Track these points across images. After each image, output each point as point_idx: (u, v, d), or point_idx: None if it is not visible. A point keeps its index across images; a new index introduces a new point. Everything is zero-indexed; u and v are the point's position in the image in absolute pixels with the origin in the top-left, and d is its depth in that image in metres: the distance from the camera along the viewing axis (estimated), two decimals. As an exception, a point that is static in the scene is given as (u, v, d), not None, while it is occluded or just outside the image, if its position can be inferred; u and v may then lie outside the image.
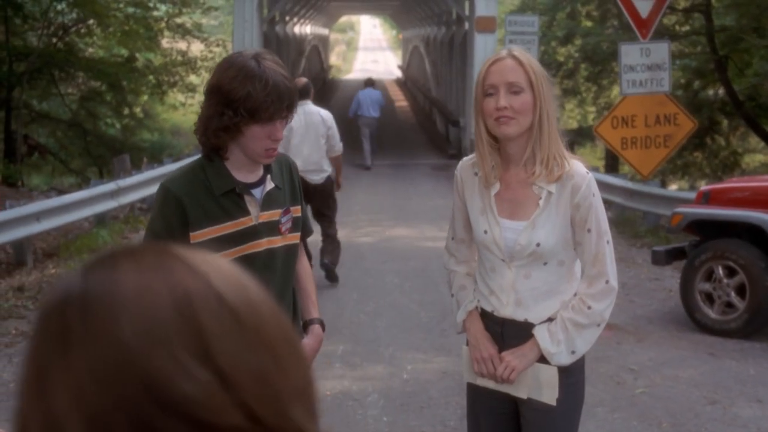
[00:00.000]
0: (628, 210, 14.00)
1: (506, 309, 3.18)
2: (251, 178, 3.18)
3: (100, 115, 26.36)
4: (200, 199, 3.10)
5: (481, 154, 3.19)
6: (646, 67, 12.95)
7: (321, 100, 41.31)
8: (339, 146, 9.34)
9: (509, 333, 3.19)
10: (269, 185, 3.20)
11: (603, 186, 14.47)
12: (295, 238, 3.30)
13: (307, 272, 3.50)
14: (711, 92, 24.52)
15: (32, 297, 9.54)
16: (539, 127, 3.08)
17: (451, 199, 3.42)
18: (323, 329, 3.45)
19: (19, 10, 21.44)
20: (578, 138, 29.46)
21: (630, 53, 13.02)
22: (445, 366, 7.08)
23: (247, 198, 3.15)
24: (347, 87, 48.91)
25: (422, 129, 31.48)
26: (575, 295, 3.14)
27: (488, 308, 3.23)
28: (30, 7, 22.35)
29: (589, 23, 27.14)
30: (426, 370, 7.02)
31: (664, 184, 21.15)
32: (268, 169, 3.22)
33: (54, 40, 23.15)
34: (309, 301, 3.46)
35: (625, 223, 13.62)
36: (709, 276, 8.28)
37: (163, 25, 24.82)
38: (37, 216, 11.24)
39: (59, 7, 22.12)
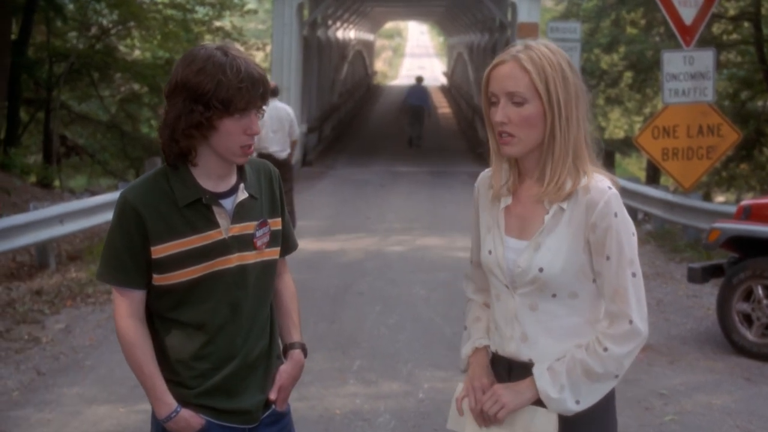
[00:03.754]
0: (668, 223, 13.56)
1: (510, 345, 2.71)
2: (221, 187, 2.88)
3: (140, 118, 26.35)
4: (162, 211, 2.80)
5: (494, 167, 2.77)
6: (689, 75, 12.53)
7: (365, 105, 41.31)
8: (297, 132, 12.68)
9: (518, 377, 2.70)
10: (242, 195, 2.89)
11: (642, 198, 14.13)
12: (273, 253, 2.99)
13: (290, 291, 3.17)
14: (759, 103, 23.93)
15: (49, 301, 9.35)
16: (551, 139, 2.62)
17: None
18: (305, 354, 3.12)
19: (60, 11, 21.41)
20: (624, 148, 28.98)
21: (673, 61, 12.62)
22: (464, 385, 6.73)
23: (215, 209, 2.84)
24: (391, 93, 48.73)
25: (464, 136, 31.11)
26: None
27: (494, 347, 2.80)
28: (71, 8, 22.34)
29: (634, 31, 26.64)
30: (444, 389, 6.68)
31: (708, 197, 20.60)
32: (242, 177, 2.92)
33: (94, 41, 23.12)
34: (290, 323, 3.13)
35: (665, 237, 13.18)
36: (748, 296, 7.85)
37: (203, 27, 24.68)
38: (61, 218, 11.07)
39: (97, 8, 22.06)
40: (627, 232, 2.61)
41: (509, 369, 2.74)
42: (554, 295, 2.64)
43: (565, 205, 2.63)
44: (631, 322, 2.59)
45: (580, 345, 2.63)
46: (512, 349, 2.71)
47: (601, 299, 2.67)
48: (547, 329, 2.65)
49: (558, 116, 2.60)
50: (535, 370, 2.64)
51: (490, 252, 2.74)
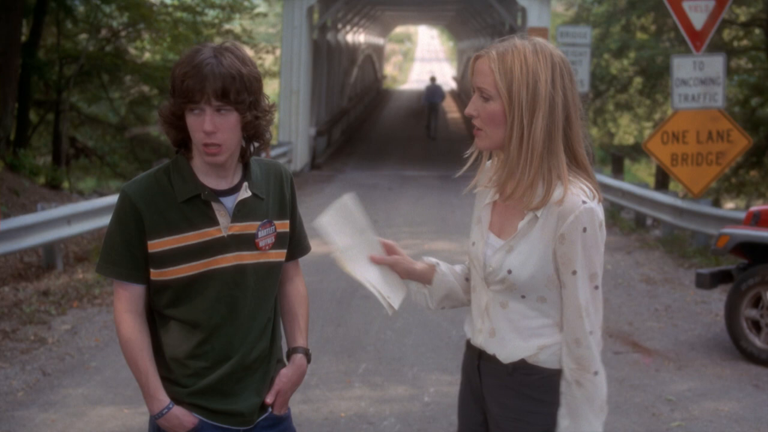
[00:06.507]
0: (677, 229, 13.50)
1: (479, 337, 2.77)
2: (222, 184, 2.85)
3: (149, 120, 26.40)
4: (160, 206, 2.79)
5: (492, 160, 2.83)
6: (699, 81, 12.49)
7: (375, 109, 41.29)
8: None
9: (486, 369, 2.77)
10: (245, 193, 2.85)
11: (652, 203, 14.09)
12: (278, 255, 2.94)
13: (301, 295, 3.12)
14: (770, 109, 23.84)
15: (56, 302, 9.34)
16: (508, 141, 2.62)
17: None
18: (308, 360, 3.07)
19: (70, 13, 21.46)
20: (634, 153, 28.92)
21: (683, 66, 12.57)
22: (470, 389, 6.69)
23: (215, 206, 2.82)
24: (401, 97, 48.73)
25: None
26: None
27: (468, 334, 2.86)
28: (81, 10, 22.39)
29: (644, 36, 26.58)
30: (449, 393, 6.65)
31: (717, 203, 20.50)
32: (246, 175, 2.89)
33: (104, 43, 23.17)
34: (296, 327, 3.08)
35: (674, 243, 13.12)
36: (757, 302, 7.80)
37: (213, 30, 24.69)
38: (68, 219, 11.06)
39: (107, 10, 22.10)
40: (595, 246, 2.62)
41: (479, 357, 2.79)
42: (523, 297, 2.69)
43: (539, 213, 2.64)
44: (591, 333, 2.64)
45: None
46: (480, 341, 2.76)
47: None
48: (515, 328, 2.70)
49: (518, 120, 2.59)
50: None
51: (474, 243, 2.81)
